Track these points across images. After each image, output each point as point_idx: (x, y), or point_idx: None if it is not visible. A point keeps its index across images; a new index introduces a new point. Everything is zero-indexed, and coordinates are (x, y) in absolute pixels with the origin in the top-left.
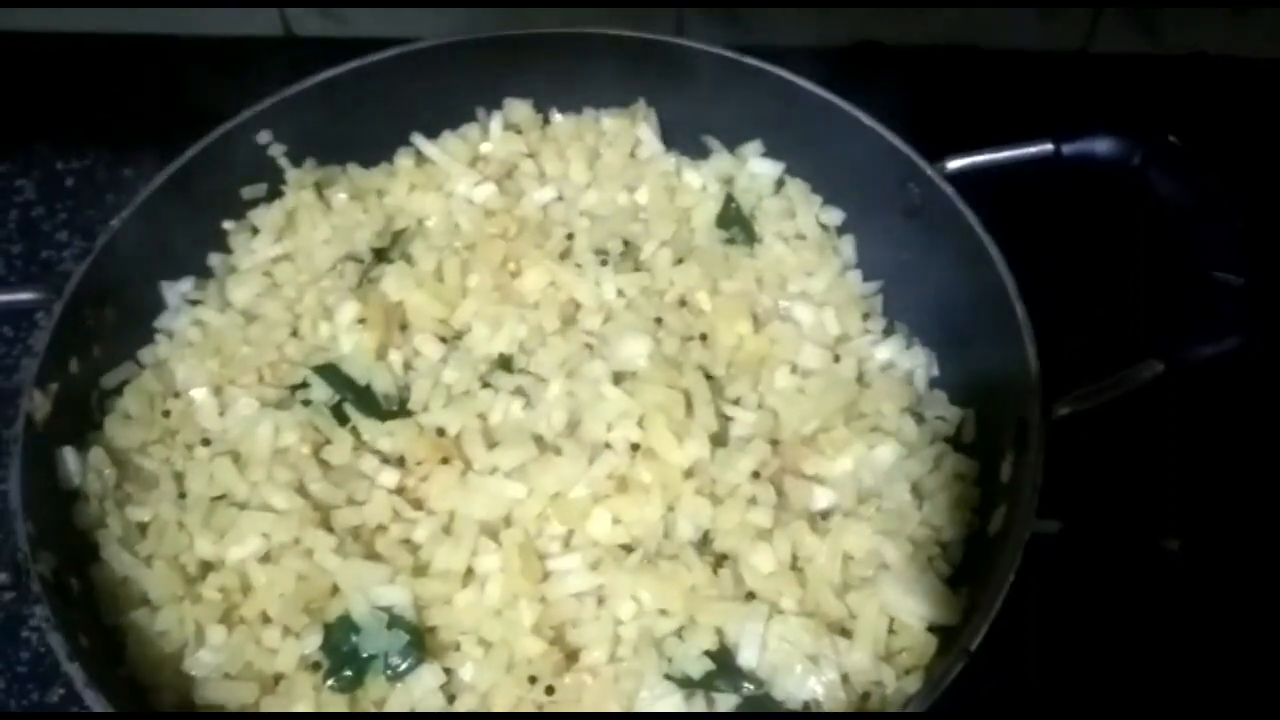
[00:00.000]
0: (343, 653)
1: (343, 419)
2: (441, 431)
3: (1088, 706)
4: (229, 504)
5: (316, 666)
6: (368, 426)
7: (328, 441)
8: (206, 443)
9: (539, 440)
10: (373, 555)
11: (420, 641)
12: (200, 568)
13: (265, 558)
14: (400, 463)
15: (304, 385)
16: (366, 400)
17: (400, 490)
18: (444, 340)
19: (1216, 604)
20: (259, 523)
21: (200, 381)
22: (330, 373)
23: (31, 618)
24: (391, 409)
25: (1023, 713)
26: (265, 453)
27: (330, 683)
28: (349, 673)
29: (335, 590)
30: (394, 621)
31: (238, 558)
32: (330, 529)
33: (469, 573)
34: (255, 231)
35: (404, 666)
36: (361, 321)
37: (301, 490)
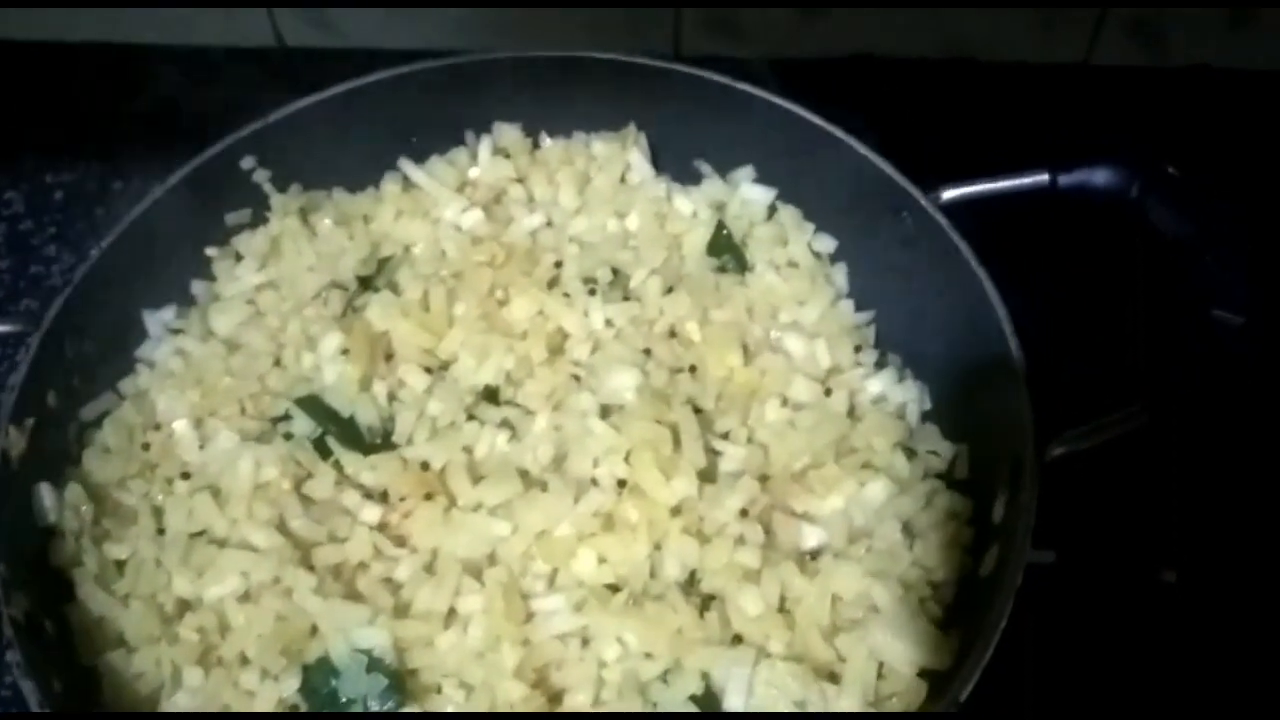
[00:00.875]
0: (321, 695)
1: (325, 452)
2: (426, 465)
3: None
4: (208, 541)
5: (295, 709)
6: (350, 460)
7: (309, 476)
8: (186, 476)
9: (524, 475)
10: (353, 594)
11: (400, 685)
12: (178, 606)
13: (244, 597)
14: (383, 498)
15: (286, 417)
16: (349, 433)
17: (383, 527)
18: (429, 371)
19: (1214, 637)
20: (238, 561)
21: (181, 413)
22: (312, 404)
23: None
24: (375, 442)
25: None
26: (245, 488)
27: None
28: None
29: (315, 631)
30: (373, 664)
31: (216, 596)
32: (310, 567)
33: (451, 613)
34: (239, 258)
35: (383, 710)
36: (345, 352)
37: (282, 527)
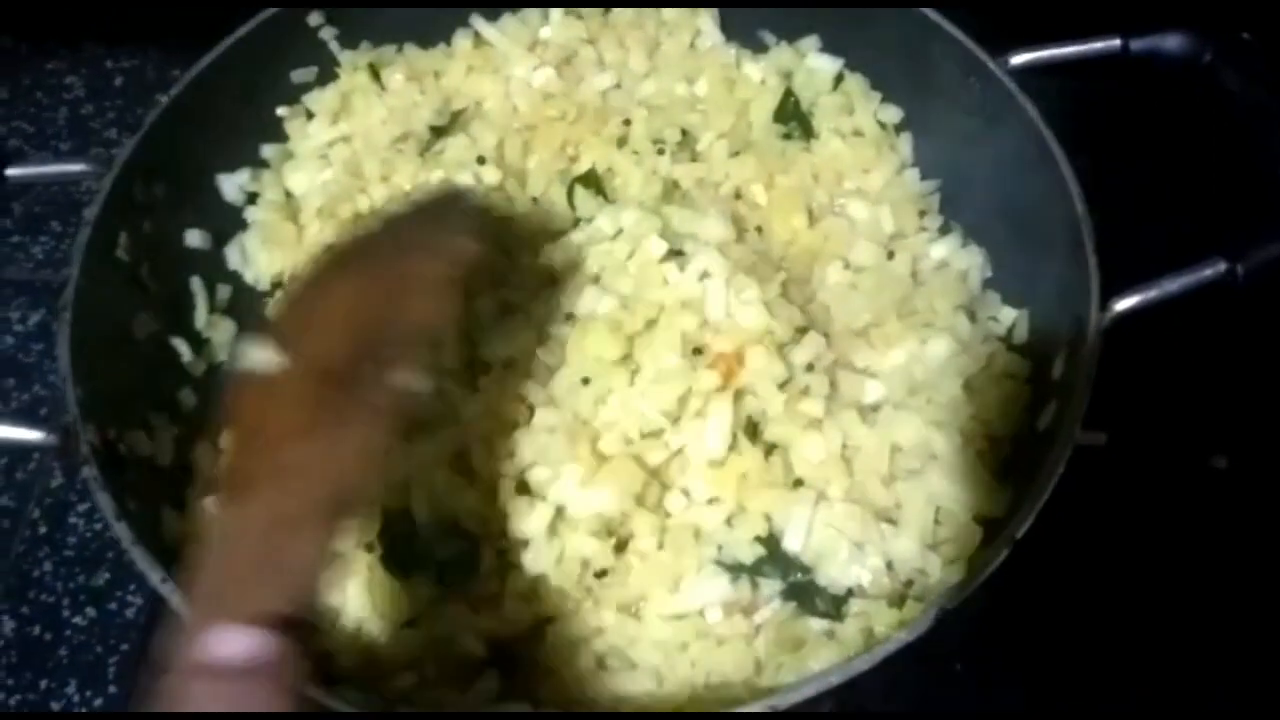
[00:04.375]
0: (398, 547)
1: None
2: None
3: (1127, 628)
4: None
5: (370, 548)
6: None
7: None
8: None
9: None
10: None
11: (475, 550)
12: None
13: None
14: None
15: None
16: None
17: None
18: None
19: (1263, 524)
20: None
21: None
22: None
23: (79, 503)
24: None
25: (1060, 631)
26: None
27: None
28: (400, 565)
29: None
30: (453, 530)
31: None
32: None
33: None
34: (310, 116)
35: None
36: None
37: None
